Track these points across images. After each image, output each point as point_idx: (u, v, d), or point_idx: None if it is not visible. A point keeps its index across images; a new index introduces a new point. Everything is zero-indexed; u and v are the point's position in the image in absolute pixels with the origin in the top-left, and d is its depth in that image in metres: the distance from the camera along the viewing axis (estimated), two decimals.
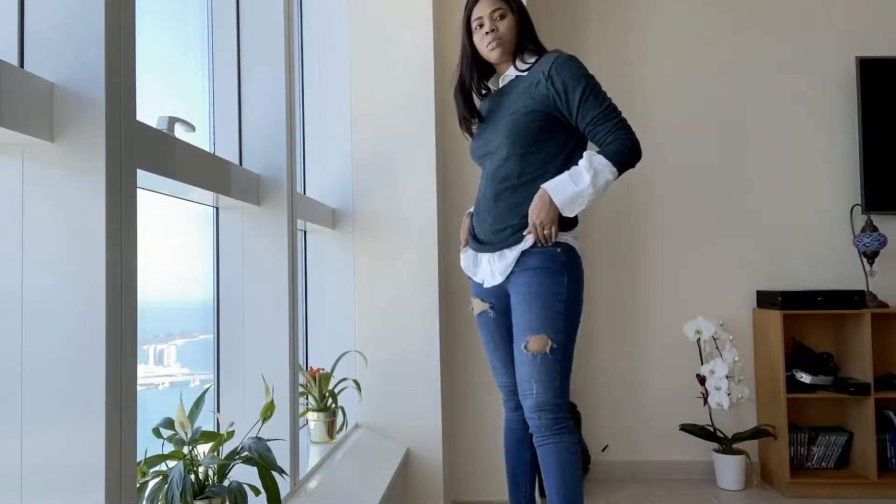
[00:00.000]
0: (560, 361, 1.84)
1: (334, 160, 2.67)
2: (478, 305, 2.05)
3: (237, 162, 1.78)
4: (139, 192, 1.04)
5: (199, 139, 1.67)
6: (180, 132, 1.42)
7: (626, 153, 1.85)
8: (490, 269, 1.97)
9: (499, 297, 2.00)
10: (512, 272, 1.91)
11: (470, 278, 2.07)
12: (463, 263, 2.08)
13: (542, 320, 1.83)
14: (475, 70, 2.03)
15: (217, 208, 1.76)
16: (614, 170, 1.83)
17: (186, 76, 1.75)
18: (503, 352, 2.03)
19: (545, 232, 1.83)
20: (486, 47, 1.96)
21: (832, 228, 3.36)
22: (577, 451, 1.87)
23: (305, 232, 2.60)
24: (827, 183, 3.38)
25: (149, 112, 1.34)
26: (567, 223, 1.89)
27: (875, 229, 3.17)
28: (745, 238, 3.38)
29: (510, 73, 1.99)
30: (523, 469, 2.10)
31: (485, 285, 2.00)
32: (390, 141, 2.65)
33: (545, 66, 1.88)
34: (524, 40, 1.97)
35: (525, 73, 1.94)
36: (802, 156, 3.39)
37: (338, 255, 2.64)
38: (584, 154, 1.84)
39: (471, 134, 2.08)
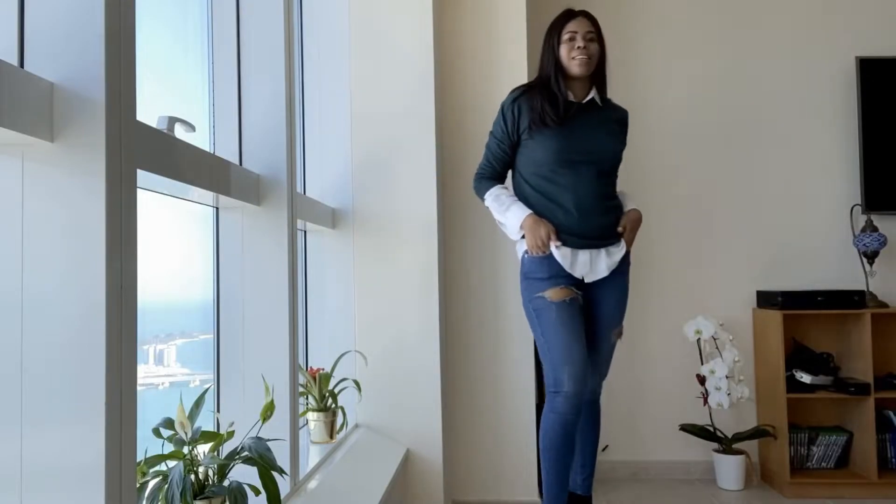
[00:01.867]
0: None
1: (334, 160, 2.67)
2: (567, 293, 2.18)
3: (237, 162, 1.78)
4: (139, 192, 1.04)
5: (199, 139, 1.66)
6: (180, 132, 1.42)
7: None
8: (593, 263, 2.21)
9: (580, 288, 2.23)
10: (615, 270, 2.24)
11: (545, 269, 2.19)
12: (563, 261, 2.19)
13: (623, 313, 2.30)
14: (561, 75, 2.21)
15: (217, 208, 1.76)
16: None
17: (186, 76, 1.75)
18: (583, 339, 2.19)
19: (632, 237, 2.28)
20: (574, 60, 2.17)
21: (832, 228, 3.36)
22: None
23: (305, 232, 2.60)
24: (827, 183, 3.38)
25: (149, 112, 1.34)
26: None
27: (875, 229, 3.17)
28: (745, 238, 3.38)
29: (591, 95, 2.25)
30: (571, 464, 2.25)
31: (585, 280, 2.21)
32: (390, 141, 2.65)
33: (625, 114, 2.34)
34: (603, 70, 2.25)
35: (606, 108, 2.28)
36: (802, 156, 3.39)
37: (338, 255, 2.64)
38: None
39: (540, 125, 2.19)
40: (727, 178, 3.40)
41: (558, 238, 2.16)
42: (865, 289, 3.20)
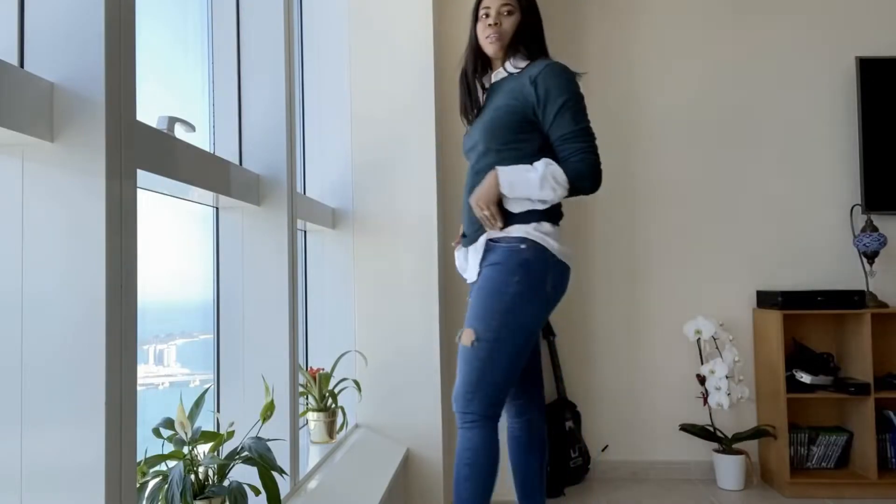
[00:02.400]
0: (482, 359, 1.80)
1: (334, 160, 2.67)
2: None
3: (237, 162, 1.78)
4: (139, 192, 1.04)
5: (199, 139, 1.67)
6: (180, 132, 1.42)
7: (585, 177, 1.83)
8: (468, 263, 1.97)
9: None
10: (481, 267, 1.90)
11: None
12: (458, 263, 2.06)
13: (478, 315, 1.82)
14: (478, 59, 2.00)
15: (217, 208, 1.76)
16: (566, 187, 1.81)
17: (186, 76, 1.75)
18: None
19: (485, 213, 1.83)
20: (486, 39, 1.94)
21: (832, 228, 3.36)
22: (475, 451, 1.81)
23: (305, 232, 2.60)
24: (827, 183, 3.38)
25: (149, 112, 1.34)
26: (547, 216, 1.86)
27: (875, 229, 3.17)
28: (745, 238, 3.38)
29: (500, 71, 1.97)
30: (532, 477, 2.03)
31: (468, 281, 1.99)
32: (390, 141, 2.65)
33: (534, 70, 1.86)
34: (521, 41, 1.94)
35: (515, 74, 1.92)
36: (802, 156, 3.39)
37: (338, 255, 2.64)
38: (545, 160, 1.83)
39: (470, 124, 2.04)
40: (727, 177, 3.40)
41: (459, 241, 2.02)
42: (865, 289, 3.20)
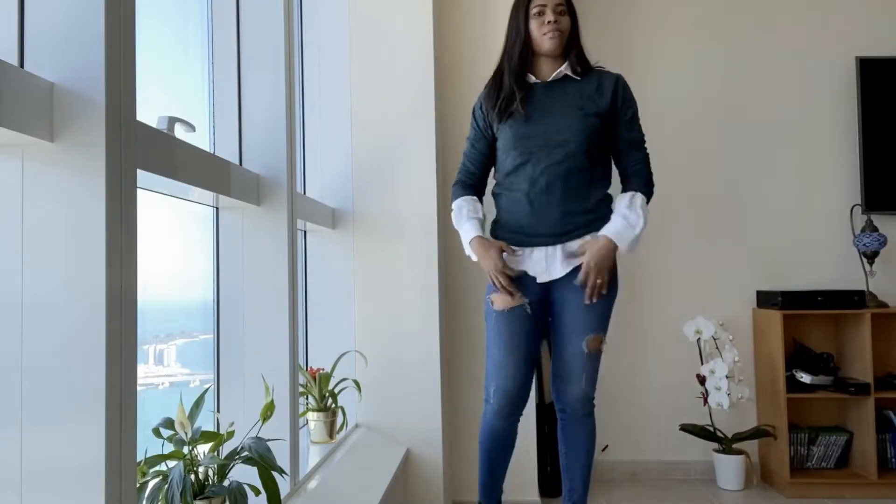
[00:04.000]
0: (600, 360, 2.10)
1: (334, 160, 2.67)
2: (511, 301, 2.01)
3: (237, 162, 1.78)
4: (139, 192, 1.04)
5: (199, 139, 1.67)
6: (180, 132, 1.42)
7: (651, 184, 2.11)
8: (548, 261, 2.03)
9: (538, 293, 2.05)
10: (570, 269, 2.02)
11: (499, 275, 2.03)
12: (529, 265, 2.05)
13: (603, 324, 2.04)
14: (526, 55, 2.06)
15: (217, 208, 1.76)
16: (647, 200, 2.08)
17: (186, 76, 1.75)
18: (524, 352, 2.03)
19: (600, 282, 1.97)
20: (545, 35, 2.01)
21: (832, 228, 3.36)
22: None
23: (305, 232, 2.60)
24: (827, 183, 3.38)
25: (149, 112, 1.34)
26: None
27: (875, 229, 3.17)
28: (745, 238, 3.38)
29: (562, 69, 2.05)
30: (503, 474, 2.20)
31: (538, 280, 2.03)
32: (390, 140, 2.65)
33: (611, 79, 2.07)
34: (577, 41, 2.08)
35: (580, 79, 2.06)
36: (802, 156, 3.39)
37: (338, 255, 2.64)
38: (628, 196, 2.05)
39: (504, 117, 2.05)
40: (727, 177, 3.40)
41: (511, 252, 2.03)
42: (865, 289, 3.20)
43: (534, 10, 2.02)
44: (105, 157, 0.93)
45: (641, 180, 2.07)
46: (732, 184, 3.40)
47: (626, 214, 2.01)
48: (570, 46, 2.05)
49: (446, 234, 2.84)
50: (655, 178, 3.46)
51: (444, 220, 2.83)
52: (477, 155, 2.16)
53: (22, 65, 0.95)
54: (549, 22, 2.00)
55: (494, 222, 2.14)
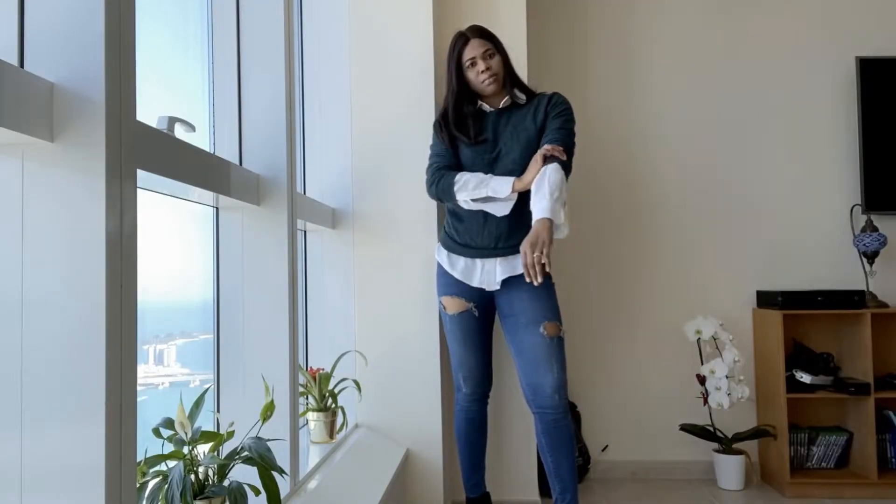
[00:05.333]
0: (564, 348, 2.23)
1: (334, 160, 2.67)
2: (459, 305, 2.32)
3: (237, 162, 1.78)
4: (139, 192, 1.04)
5: (199, 139, 1.67)
6: (180, 132, 1.42)
7: (570, 144, 2.20)
8: (490, 273, 2.26)
9: (482, 299, 2.31)
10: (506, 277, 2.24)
11: (444, 276, 2.34)
12: (452, 269, 2.31)
13: (554, 312, 2.21)
14: (465, 101, 2.29)
15: (217, 208, 1.76)
16: (563, 165, 2.11)
17: (186, 76, 1.75)
18: (479, 344, 2.36)
19: (537, 255, 1.99)
20: (483, 83, 2.23)
21: (832, 228, 3.36)
22: None
23: (305, 232, 2.60)
24: (827, 183, 3.38)
25: (149, 112, 1.34)
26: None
27: (875, 229, 3.17)
28: (745, 238, 3.38)
29: (507, 99, 2.29)
30: (481, 452, 2.48)
31: (487, 289, 2.28)
32: (390, 140, 2.65)
33: (547, 96, 2.28)
34: (512, 74, 2.30)
35: (525, 103, 2.29)
36: (802, 156, 3.39)
37: (338, 256, 2.64)
38: (543, 169, 2.09)
39: (458, 140, 2.29)
40: (727, 177, 3.40)
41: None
42: (865, 289, 3.20)
43: (466, 63, 2.25)
44: (105, 157, 0.93)
45: (554, 136, 2.20)
46: (732, 184, 3.40)
47: (542, 190, 2.07)
48: (507, 80, 2.28)
49: None
50: (655, 176, 3.48)
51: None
52: (450, 152, 2.32)
53: (22, 65, 0.95)
54: (482, 71, 2.22)
55: (445, 231, 2.38)
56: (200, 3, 1.79)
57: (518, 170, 2.20)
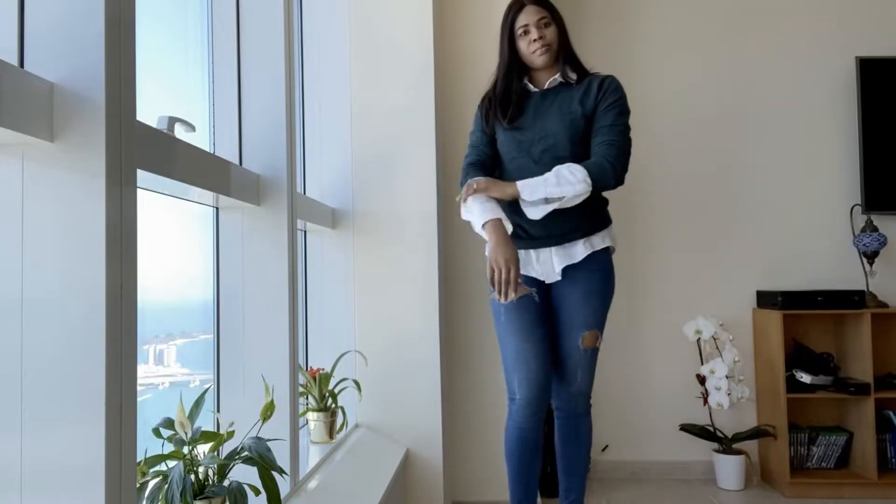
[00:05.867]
0: (597, 357, 2.13)
1: (334, 160, 2.67)
2: (519, 290, 1.98)
3: (237, 162, 1.78)
4: (139, 192, 1.04)
5: (199, 139, 1.66)
6: (180, 132, 1.42)
7: (615, 167, 1.99)
8: (549, 263, 2.08)
9: (541, 290, 2.11)
10: (567, 266, 2.06)
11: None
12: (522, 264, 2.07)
13: (599, 320, 2.07)
14: (515, 75, 2.10)
15: (217, 208, 1.76)
16: (593, 177, 1.96)
17: (186, 76, 1.75)
18: (539, 337, 2.05)
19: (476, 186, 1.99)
20: (534, 53, 2.06)
21: (832, 228, 3.36)
22: None
23: (305, 232, 2.60)
24: (827, 183, 3.38)
25: (149, 112, 1.34)
26: (608, 220, 2.13)
27: (875, 229, 3.17)
28: (745, 238, 3.38)
29: (556, 77, 2.09)
30: (536, 483, 2.13)
31: (547, 281, 2.09)
32: (390, 140, 2.65)
33: (599, 79, 2.08)
34: (568, 48, 2.11)
35: (574, 84, 2.09)
36: (802, 156, 3.39)
37: (338, 255, 2.64)
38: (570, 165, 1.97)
39: (501, 123, 2.10)
40: (727, 177, 3.40)
41: (517, 275, 1.94)
42: (865, 289, 3.20)
43: (519, 31, 2.08)
44: (105, 157, 0.93)
45: (600, 157, 1.99)
46: (732, 183, 3.40)
47: (554, 175, 1.96)
48: (561, 55, 2.10)
49: (446, 234, 2.84)
50: (655, 176, 3.48)
51: (445, 220, 2.83)
52: (486, 139, 2.16)
53: (22, 65, 0.95)
54: (535, 39, 2.04)
55: None
56: (200, 3, 1.79)
57: (561, 153, 2.02)
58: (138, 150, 1.06)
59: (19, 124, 0.87)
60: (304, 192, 2.60)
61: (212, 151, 1.70)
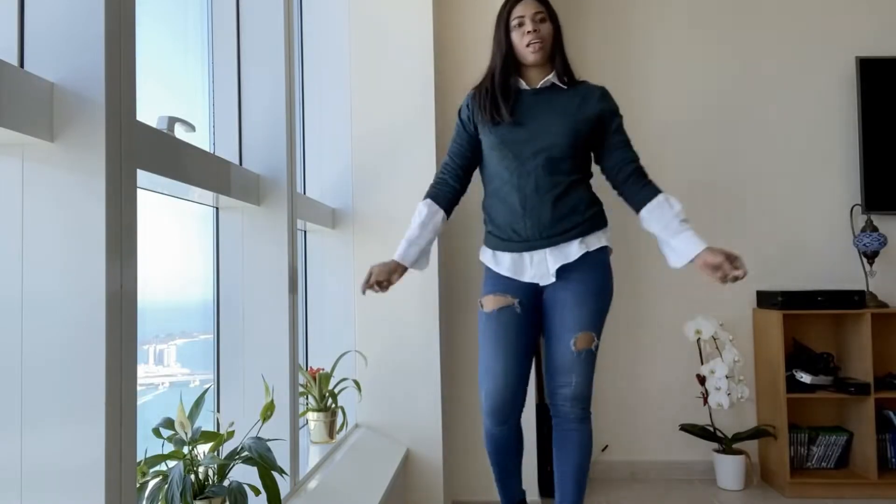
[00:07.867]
0: (595, 359, 2.06)
1: (334, 160, 2.67)
2: (499, 301, 2.01)
3: (237, 162, 1.78)
4: (139, 192, 1.04)
5: (199, 139, 1.66)
6: (180, 132, 1.42)
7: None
8: (542, 265, 2.02)
9: (531, 297, 2.04)
10: (560, 267, 2.02)
11: (491, 277, 2.07)
12: (498, 267, 2.06)
13: (595, 321, 2.02)
14: (511, 66, 2.05)
15: (217, 208, 1.76)
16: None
17: (186, 76, 1.75)
18: (514, 352, 2.01)
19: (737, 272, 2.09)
20: (528, 47, 2.01)
21: (832, 228, 3.36)
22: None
23: (305, 232, 2.60)
24: (827, 183, 3.38)
25: (149, 112, 1.34)
26: (605, 222, 2.12)
27: (875, 229, 3.17)
28: (745, 238, 3.38)
29: (550, 77, 2.05)
30: (517, 476, 2.17)
31: (541, 283, 2.04)
32: (390, 140, 2.65)
33: (595, 90, 2.08)
34: (560, 48, 2.07)
35: (566, 88, 2.06)
36: (802, 156, 3.39)
37: (338, 256, 2.64)
38: (666, 203, 2.19)
39: (492, 121, 2.04)
40: (727, 177, 3.40)
41: (374, 278, 2.06)
42: (865, 289, 3.20)
43: (514, 22, 2.03)
44: (105, 157, 0.93)
45: (648, 178, 2.17)
46: (732, 184, 3.40)
47: (682, 223, 2.25)
48: (555, 53, 2.06)
49: (446, 234, 2.84)
50: (655, 178, 3.48)
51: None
52: (460, 150, 2.13)
53: (22, 65, 0.95)
54: (529, 32, 2.00)
55: (487, 231, 2.12)
56: (200, 3, 1.79)
57: (558, 154, 1.99)
58: (138, 150, 1.06)
59: (19, 124, 0.87)
60: (304, 192, 2.60)
61: (212, 151, 1.70)
